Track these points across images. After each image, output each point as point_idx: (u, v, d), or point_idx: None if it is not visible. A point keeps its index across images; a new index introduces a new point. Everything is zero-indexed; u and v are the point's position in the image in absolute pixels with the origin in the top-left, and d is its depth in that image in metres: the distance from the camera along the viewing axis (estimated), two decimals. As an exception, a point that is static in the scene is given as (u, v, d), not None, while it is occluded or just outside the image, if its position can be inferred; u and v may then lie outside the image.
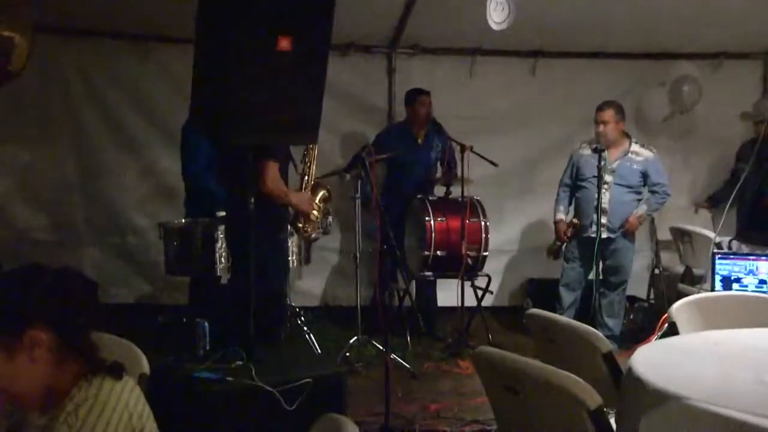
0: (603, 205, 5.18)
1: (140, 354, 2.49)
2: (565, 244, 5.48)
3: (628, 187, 5.27)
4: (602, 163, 5.01)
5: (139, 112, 6.11)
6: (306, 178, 4.60)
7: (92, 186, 6.11)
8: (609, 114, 5.23)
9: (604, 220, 5.21)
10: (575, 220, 5.38)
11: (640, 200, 5.33)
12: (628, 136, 5.38)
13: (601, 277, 5.25)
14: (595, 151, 5.01)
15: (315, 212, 4.60)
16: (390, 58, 6.47)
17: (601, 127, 5.21)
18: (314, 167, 4.64)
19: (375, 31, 6.23)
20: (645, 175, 5.29)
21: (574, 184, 5.45)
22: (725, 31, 6.11)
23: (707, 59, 6.59)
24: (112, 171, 6.13)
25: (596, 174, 5.01)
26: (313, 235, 5.15)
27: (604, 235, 5.22)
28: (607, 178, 5.22)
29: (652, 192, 5.34)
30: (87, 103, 6.04)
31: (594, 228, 5.15)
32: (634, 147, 5.30)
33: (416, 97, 5.80)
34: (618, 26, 5.93)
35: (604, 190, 5.16)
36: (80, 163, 6.08)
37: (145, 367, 2.46)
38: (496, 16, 4.57)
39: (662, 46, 6.49)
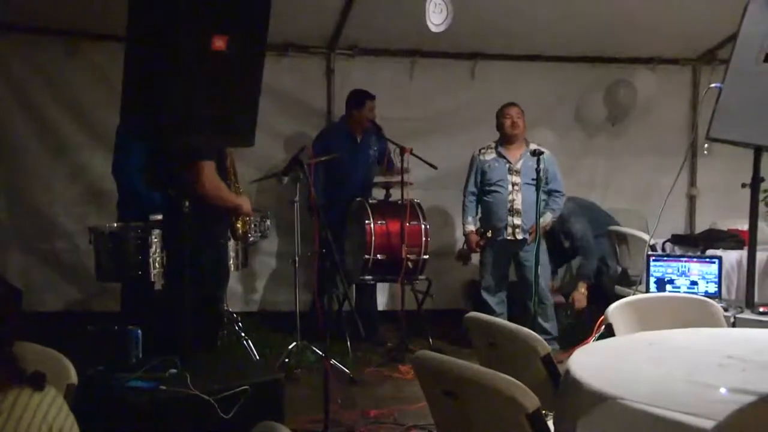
0: (516, 206, 5.29)
1: (68, 364, 2.39)
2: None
3: (534, 185, 5.20)
4: (507, 165, 5.24)
5: (67, 112, 5.92)
6: (231, 178, 4.45)
7: (16, 189, 5.90)
8: (520, 111, 5.41)
9: (518, 221, 5.32)
10: (484, 231, 5.40)
11: (546, 200, 5.34)
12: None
13: (518, 281, 5.37)
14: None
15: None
16: (329, 59, 6.43)
17: (514, 123, 5.37)
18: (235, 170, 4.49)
19: (313, 32, 6.19)
20: (546, 172, 5.26)
21: (480, 190, 5.50)
22: (659, 36, 6.28)
23: (641, 63, 6.75)
24: (38, 173, 5.92)
25: (501, 177, 5.25)
26: (250, 239, 5.06)
27: (520, 236, 5.34)
28: (515, 179, 5.32)
29: (551, 195, 5.43)
30: (9, 102, 5.82)
31: (509, 230, 5.27)
32: (533, 146, 5.34)
33: (365, 101, 5.73)
34: (556, 30, 6.03)
35: (516, 191, 5.25)
36: (2, 165, 5.85)
37: (73, 377, 2.36)
38: (435, 18, 4.58)
39: (599, 50, 6.62)
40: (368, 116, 5.71)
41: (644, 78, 6.68)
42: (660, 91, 6.74)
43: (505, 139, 5.46)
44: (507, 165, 5.34)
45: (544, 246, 5.38)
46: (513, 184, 5.33)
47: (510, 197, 5.34)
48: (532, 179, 5.00)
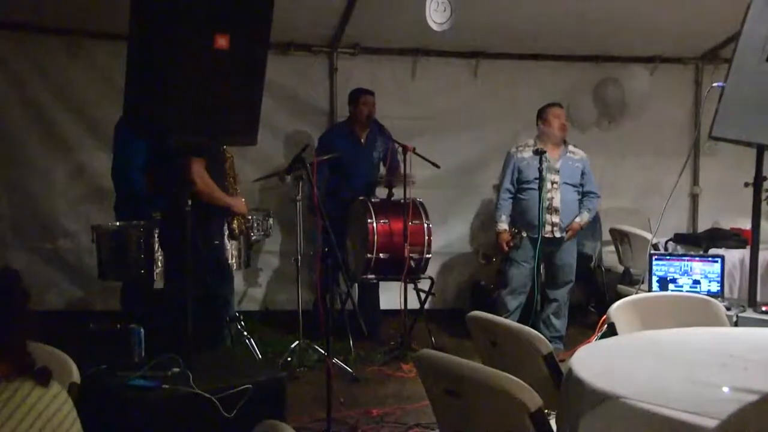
0: (555, 205, 5.26)
1: (70, 362, 2.40)
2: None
3: (573, 185, 5.35)
4: (545, 163, 5.09)
5: (69, 110, 5.92)
6: (230, 180, 4.44)
7: (18, 187, 5.90)
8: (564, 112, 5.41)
9: (556, 219, 5.28)
10: (516, 230, 5.34)
11: (580, 200, 5.40)
12: None
13: (543, 279, 5.33)
14: (536, 153, 5.07)
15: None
16: (331, 58, 6.43)
17: (563, 125, 5.35)
18: (234, 171, 4.48)
19: (316, 31, 6.18)
20: (583, 174, 5.39)
21: (517, 188, 5.44)
22: (662, 36, 6.27)
23: (643, 63, 6.74)
24: (41, 172, 5.93)
25: (537, 176, 5.09)
26: (253, 237, 5.07)
27: (558, 235, 5.30)
28: (554, 177, 5.29)
29: (586, 196, 5.44)
30: (11, 101, 5.83)
31: (547, 228, 5.23)
32: (570, 146, 5.41)
33: (359, 96, 5.77)
34: (559, 29, 6.02)
35: (555, 190, 5.24)
36: (4, 163, 5.85)
37: (76, 376, 2.37)
38: (437, 17, 4.58)
39: (603, 49, 6.61)
40: (365, 111, 5.71)
41: (647, 77, 6.68)
42: (663, 90, 6.73)
43: (546, 140, 5.34)
44: (546, 164, 5.21)
45: (574, 242, 5.44)
46: (552, 183, 5.26)
47: (549, 195, 5.26)
48: (578, 182, 5.18)
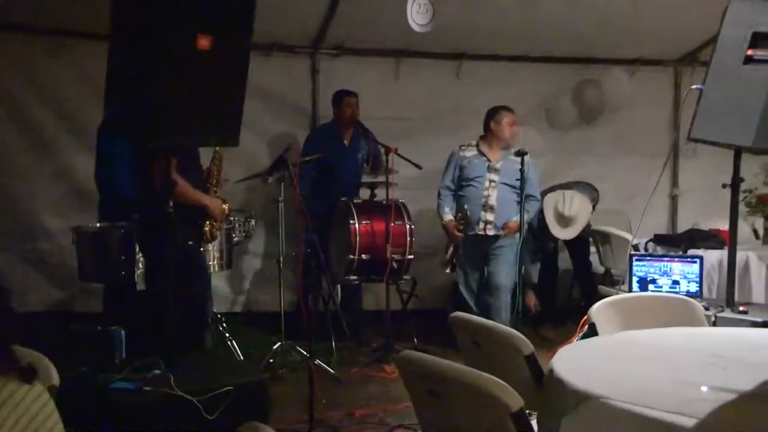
0: (491, 203, 5.31)
1: (49, 365, 2.37)
2: (457, 250, 5.50)
3: (511, 186, 5.31)
4: (486, 162, 5.28)
5: (50, 111, 5.86)
6: (213, 181, 4.42)
7: (-1, 187, 5.84)
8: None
9: (491, 218, 5.33)
10: (461, 213, 5.35)
11: (518, 201, 5.23)
12: None
13: (485, 280, 5.41)
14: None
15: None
16: (314, 59, 6.42)
17: (514, 133, 5.38)
18: (221, 173, 4.46)
19: (299, 32, 6.17)
20: (524, 178, 5.20)
21: (457, 186, 5.50)
22: (642, 38, 6.32)
23: (623, 65, 6.80)
24: (21, 172, 5.85)
25: (478, 175, 5.29)
26: (235, 239, 5.05)
27: (491, 233, 5.34)
28: (493, 176, 5.35)
29: (526, 199, 5.27)
30: (-8, 101, 5.77)
31: (481, 225, 5.29)
32: (517, 151, 5.32)
33: (342, 98, 5.78)
34: (541, 31, 6.06)
35: (492, 188, 5.28)
36: (-16, 164, 5.80)
37: (55, 378, 2.34)
38: (419, 19, 4.59)
39: (583, 51, 6.66)
40: (348, 112, 5.72)
41: (628, 79, 6.73)
42: (643, 93, 6.79)
43: (492, 140, 5.43)
44: (486, 163, 5.35)
45: (516, 245, 5.25)
46: (490, 181, 5.34)
47: (485, 193, 5.34)
48: (516, 179, 5.05)
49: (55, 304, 5.93)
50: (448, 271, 5.63)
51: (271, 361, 4.85)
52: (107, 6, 3.05)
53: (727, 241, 4.19)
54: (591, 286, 6.22)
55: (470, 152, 5.46)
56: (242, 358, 4.85)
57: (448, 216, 5.46)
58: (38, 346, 2.39)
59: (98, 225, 4.62)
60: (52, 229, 5.88)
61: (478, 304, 5.47)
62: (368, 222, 5.35)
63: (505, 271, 5.33)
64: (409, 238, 5.40)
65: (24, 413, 1.61)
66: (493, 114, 5.45)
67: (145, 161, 3.64)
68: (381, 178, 5.42)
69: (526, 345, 2.61)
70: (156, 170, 3.61)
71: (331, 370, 4.81)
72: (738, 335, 2.88)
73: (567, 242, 6.17)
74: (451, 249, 5.52)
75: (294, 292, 5.72)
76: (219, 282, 6.08)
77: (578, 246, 6.24)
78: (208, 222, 4.14)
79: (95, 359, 3.25)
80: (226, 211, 4.29)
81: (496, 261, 5.40)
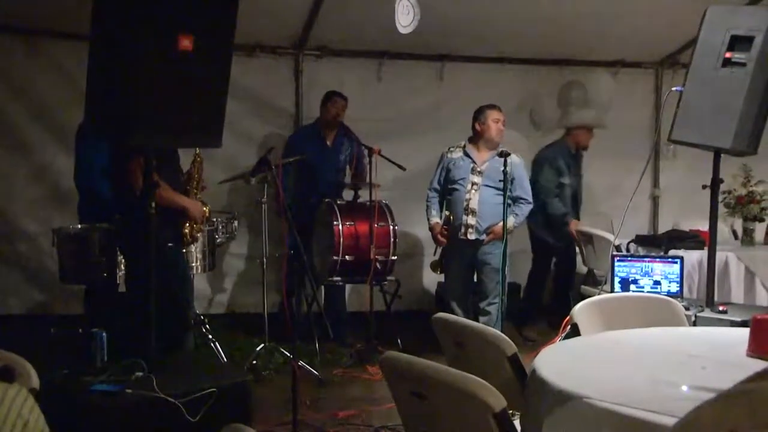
0: (472, 206, 5.21)
1: (29, 368, 2.36)
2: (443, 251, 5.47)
3: (496, 188, 5.16)
4: (471, 165, 5.21)
5: (28, 111, 5.81)
6: (193, 183, 4.37)
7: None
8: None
9: (473, 221, 5.22)
10: (446, 212, 5.33)
11: (509, 205, 5.14)
12: None
13: (473, 287, 5.35)
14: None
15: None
16: (297, 60, 6.41)
17: (501, 130, 5.28)
18: (201, 175, 4.41)
19: (281, 33, 6.17)
20: (513, 179, 5.18)
21: (444, 188, 5.44)
22: (623, 41, 6.37)
23: (605, 67, 6.85)
24: (-1, 173, 5.81)
25: (463, 177, 5.22)
26: (217, 240, 5.03)
27: (473, 237, 5.22)
28: (476, 179, 5.26)
29: (516, 201, 5.32)
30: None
31: (462, 230, 5.22)
32: (500, 148, 5.22)
33: (330, 97, 5.79)
34: (523, 33, 6.09)
35: (474, 191, 5.23)
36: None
37: (35, 381, 2.33)
38: (403, 20, 4.59)
39: (565, 53, 6.70)
40: (332, 112, 5.72)
41: (611, 81, 6.78)
42: (625, 94, 6.84)
43: (479, 141, 5.35)
44: (471, 165, 5.30)
45: (499, 246, 5.11)
46: (472, 184, 5.23)
47: (467, 196, 5.23)
48: (499, 180, 4.93)
49: (34, 306, 5.88)
50: (438, 273, 5.62)
51: (255, 362, 4.84)
52: (85, 5, 3.03)
53: (707, 241, 4.23)
54: (567, 288, 6.28)
55: (456, 154, 5.37)
56: (225, 359, 4.83)
57: (435, 219, 5.41)
58: (18, 349, 2.38)
59: (79, 226, 4.59)
60: (31, 231, 5.83)
61: (462, 306, 5.42)
62: (352, 223, 5.35)
63: (495, 279, 5.20)
64: (392, 239, 5.40)
65: (18, 416, 1.61)
66: (477, 114, 5.36)
67: (124, 162, 3.61)
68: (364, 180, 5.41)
69: (510, 345, 2.62)
70: (135, 170, 3.59)
71: (315, 372, 4.81)
72: (716, 335, 2.90)
73: (557, 243, 6.22)
74: (440, 251, 5.51)
75: (277, 293, 5.71)
76: (202, 283, 6.06)
77: (567, 249, 6.29)
78: (187, 224, 4.11)
79: (76, 362, 3.23)
80: (207, 214, 4.25)
81: (484, 269, 5.28)
